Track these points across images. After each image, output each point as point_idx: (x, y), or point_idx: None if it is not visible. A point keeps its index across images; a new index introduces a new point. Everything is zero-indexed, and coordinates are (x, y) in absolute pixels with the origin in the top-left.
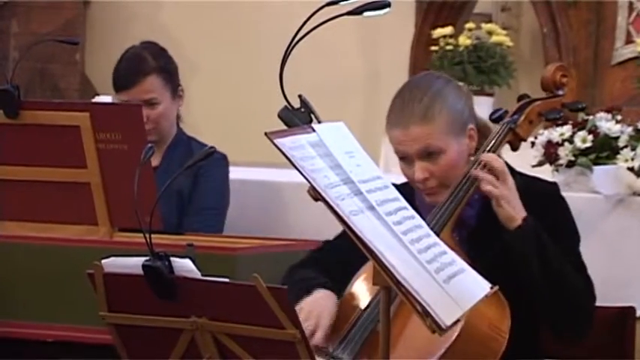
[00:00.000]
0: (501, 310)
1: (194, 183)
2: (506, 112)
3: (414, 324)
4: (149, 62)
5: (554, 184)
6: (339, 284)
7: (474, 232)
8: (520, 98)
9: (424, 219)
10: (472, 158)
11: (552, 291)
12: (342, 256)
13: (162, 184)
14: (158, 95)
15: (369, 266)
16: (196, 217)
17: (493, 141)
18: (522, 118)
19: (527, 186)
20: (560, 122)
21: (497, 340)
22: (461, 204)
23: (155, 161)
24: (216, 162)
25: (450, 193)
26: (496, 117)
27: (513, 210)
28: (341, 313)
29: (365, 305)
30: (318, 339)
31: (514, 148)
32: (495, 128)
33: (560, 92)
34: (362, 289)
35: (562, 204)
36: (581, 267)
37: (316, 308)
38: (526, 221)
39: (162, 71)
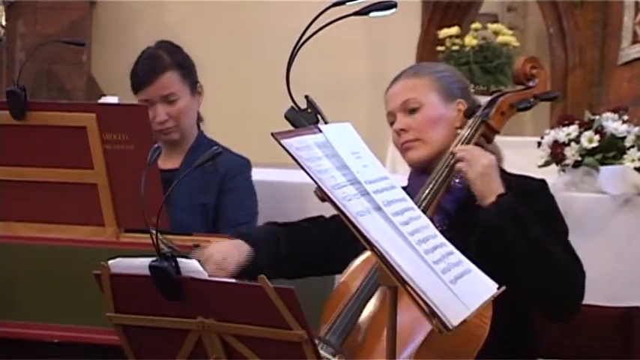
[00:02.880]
0: None
1: (220, 196)
2: (478, 106)
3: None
4: (164, 59)
5: (542, 181)
6: (298, 254)
7: (453, 218)
8: (492, 93)
9: None
10: (449, 150)
11: (536, 265)
12: (330, 233)
13: (183, 187)
14: (176, 91)
15: (362, 259)
16: (232, 231)
17: (466, 134)
18: (494, 110)
19: (515, 184)
20: (565, 122)
21: (479, 327)
22: (440, 191)
23: (175, 163)
24: (242, 170)
25: (429, 180)
26: (469, 112)
27: (488, 187)
28: (334, 300)
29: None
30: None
31: (489, 141)
32: (469, 122)
33: (531, 84)
34: (354, 279)
35: (547, 198)
36: (571, 251)
37: (218, 251)
38: (502, 196)
39: (178, 67)
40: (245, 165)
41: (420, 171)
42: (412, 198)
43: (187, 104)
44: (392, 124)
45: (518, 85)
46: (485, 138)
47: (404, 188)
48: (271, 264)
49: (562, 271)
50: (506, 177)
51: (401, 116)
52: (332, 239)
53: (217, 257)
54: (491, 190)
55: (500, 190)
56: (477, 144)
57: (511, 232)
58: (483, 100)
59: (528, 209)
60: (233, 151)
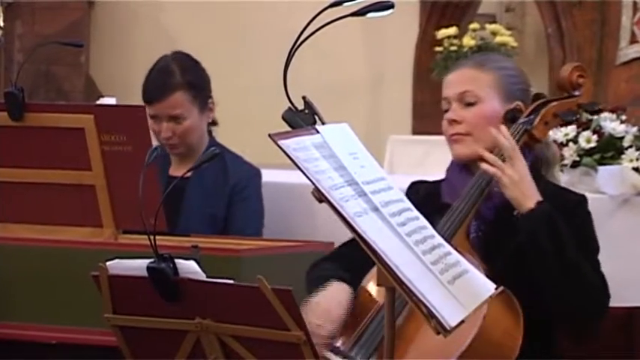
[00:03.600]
0: (515, 316)
1: (229, 206)
2: (520, 111)
3: (428, 329)
4: (176, 77)
5: (582, 196)
6: (361, 280)
7: (491, 225)
8: (535, 97)
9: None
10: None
11: (566, 280)
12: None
13: (193, 196)
14: (184, 111)
15: None
16: None
17: None
18: (538, 119)
19: (554, 194)
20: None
21: (510, 348)
22: (478, 201)
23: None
24: (252, 181)
25: (474, 180)
26: (510, 116)
27: (522, 194)
28: (357, 309)
29: (379, 304)
30: (325, 332)
31: (530, 150)
32: (510, 129)
33: (577, 93)
34: (377, 287)
35: (585, 215)
36: (599, 271)
37: (327, 302)
38: (540, 205)
39: (190, 87)
40: (256, 175)
41: (462, 165)
42: (449, 192)
43: (194, 123)
44: (445, 110)
45: (562, 93)
46: (527, 147)
47: (441, 181)
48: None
49: (589, 289)
50: (543, 187)
51: (456, 106)
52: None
53: (324, 305)
54: (527, 197)
55: (537, 197)
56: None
57: (546, 240)
58: None
59: (565, 222)
60: (244, 159)
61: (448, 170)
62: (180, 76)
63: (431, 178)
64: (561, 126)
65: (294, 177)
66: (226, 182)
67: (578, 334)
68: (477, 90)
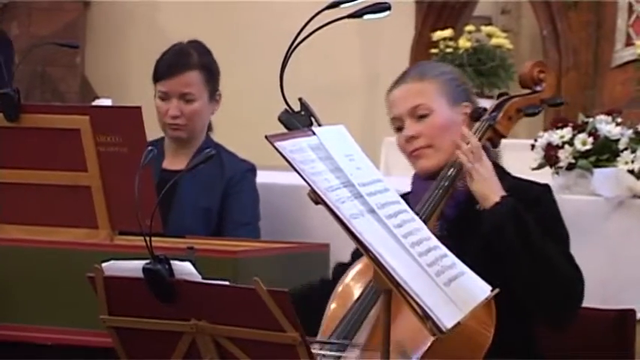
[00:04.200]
0: (488, 305)
1: (224, 200)
2: (485, 109)
3: (400, 317)
4: (194, 57)
5: (546, 186)
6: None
7: (454, 223)
8: (499, 96)
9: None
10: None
11: (535, 270)
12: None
13: (186, 190)
14: (196, 92)
15: (362, 262)
16: (236, 232)
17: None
18: (501, 114)
19: (518, 187)
20: (559, 125)
21: (483, 334)
22: (445, 196)
23: (180, 164)
24: (247, 175)
25: (436, 184)
26: (476, 115)
27: (489, 189)
28: (337, 304)
29: (356, 298)
30: None
31: (494, 145)
32: (475, 125)
33: (539, 88)
34: (354, 284)
35: (550, 204)
36: (570, 258)
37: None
38: (504, 199)
39: (204, 69)
40: (250, 170)
41: (426, 177)
42: (416, 204)
43: (202, 107)
44: (398, 129)
45: (525, 89)
46: (491, 142)
47: (407, 194)
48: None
49: (560, 277)
50: (510, 180)
51: (410, 122)
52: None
53: None
54: (493, 192)
55: (502, 192)
56: (483, 148)
57: (512, 234)
58: (482, 103)
59: (530, 213)
60: (239, 156)
61: (413, 183)
62: (198, 58)
63: (401, 190)
64: (525, 116)
65: (289, 178)
66: (222, 176)
67: (554, 323)
68: (426, 102)
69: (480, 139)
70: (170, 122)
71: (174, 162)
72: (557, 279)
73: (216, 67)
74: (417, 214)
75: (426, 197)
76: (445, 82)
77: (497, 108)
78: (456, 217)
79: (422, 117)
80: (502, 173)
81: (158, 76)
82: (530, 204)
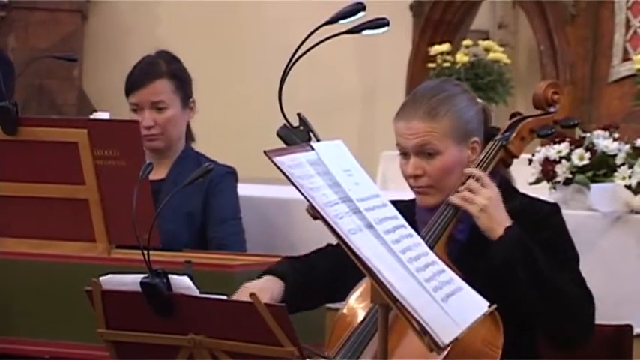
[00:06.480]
0: (495, 325)
1: (205, 202)
2: (497, 129)
3: (407, 339)
4: (161, 66)
5: (554, 205)
6: (318, 285)
7: (465, 247)
8: (512, 116)
9: (420, 234)
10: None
11: (545, 300)
12: (337, 261)
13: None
14: (167, 99)
15: (365, 282)
16: (219, 227)
17: (484, 157)
18: (514, 135)
19: (526, 207)
20: (556, 140)
21: (490, 355)
22: (454, 218)
23: (161, 174)
24: (226, 177)
25: (444, 208)
26: (488, 134)
27: (492, 221)
28: (338, 328)
29: (360, 320)
30: None
31: (506, 165)
32: (487, 146)
33: (552, 109)
34: (358, 305)
35: (558, 224)
36: (580, 281)
37: (253, 287)
38: (509, 230)
39: (173, 76)
40: (230, 173)
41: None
42: (422, 227)
43: (176, 115)
44: (403, 153)
45: (538, 110)
46: (503, 162)
47: (401, 204)
48: (298, 296)
49: (571, 303)
50: (519, 199)
51: (416, 159)
52: (339, 266)
53: (252, 290)
54: (497, 224)
55: (507, 222)
56: (494, 169)
57: (520, 269)
58: None
59: (536, 239)
60: (219, 162)
61: (417, 212)
62: (165, 66)
63: (406, 197)
64: (538, 137)
65: (288, 192)
66: (203, 181)
67: (565, 345)
68: (434, 142)
69: (492, 159)
70: (145, 134)
71: (155, 172)
72: (566, 306)
73: (187, 74)
74: (423, 238)
75: (432, 221)
76: (456, 119)
77: (510, 128)
78: (467, 240)
79: (429, 154)
80: (512, 192)
81: (128, 89)
82: (539, 224)
